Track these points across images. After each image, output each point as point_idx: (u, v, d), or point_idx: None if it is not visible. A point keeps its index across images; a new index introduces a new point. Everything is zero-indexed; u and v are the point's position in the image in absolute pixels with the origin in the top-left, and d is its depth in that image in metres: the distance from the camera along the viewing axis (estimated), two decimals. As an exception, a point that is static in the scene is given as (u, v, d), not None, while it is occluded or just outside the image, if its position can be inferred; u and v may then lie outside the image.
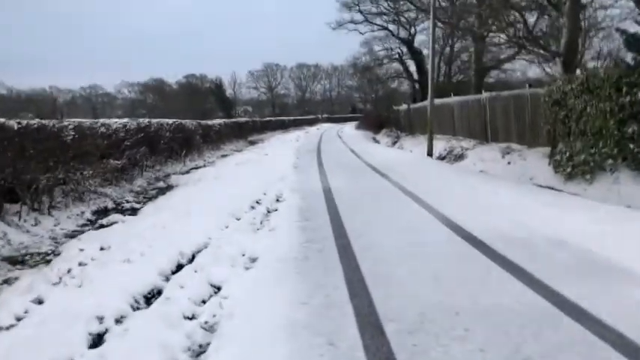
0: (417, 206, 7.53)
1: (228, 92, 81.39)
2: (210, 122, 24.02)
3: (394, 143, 27.37)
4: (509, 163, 13.78)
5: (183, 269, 4.86)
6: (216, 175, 12.99)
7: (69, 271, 5.06)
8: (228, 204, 8.40)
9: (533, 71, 40.33)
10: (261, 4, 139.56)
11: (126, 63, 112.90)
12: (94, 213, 9.40)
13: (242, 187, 10.44)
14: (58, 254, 6.31)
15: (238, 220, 7.30)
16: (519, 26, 15.49)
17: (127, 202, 10.63)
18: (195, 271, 4.69)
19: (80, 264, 5.34)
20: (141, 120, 13.78)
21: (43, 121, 8.29)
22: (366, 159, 16.47)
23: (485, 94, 16.82)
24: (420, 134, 24.88)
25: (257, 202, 8.78)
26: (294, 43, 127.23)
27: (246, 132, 34.53)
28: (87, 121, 10.46)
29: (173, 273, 4.92)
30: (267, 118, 54.96)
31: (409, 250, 5.10)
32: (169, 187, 12.46)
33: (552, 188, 9.89)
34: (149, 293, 4.37)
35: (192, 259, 5.38)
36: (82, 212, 9.04)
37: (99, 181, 11.20)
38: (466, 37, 29.75)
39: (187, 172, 15.58)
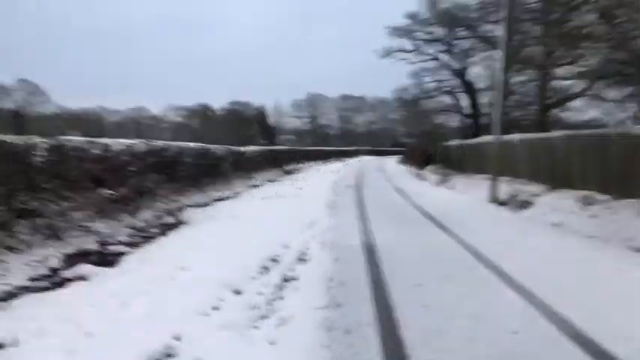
0: (510, 293, 4.90)
1: (271, 120, 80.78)
2: (242, 149, 22.09)
3: (443, 182, 24.59)
4: (592, 216, 10.96)
5: None
6: (235, 213, 10.75)
7: None
8: (234, 261, 6.09)
9: (595, 111, 36.77)
10: (309, 34, 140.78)
11: (173, 86, 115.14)
12: (66, 258, 7.24)
13: (260, 233, 8.13)
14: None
15: (238, 294, 4.91)
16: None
17: (118, 242, 8.46)
18: None
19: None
20: (156, 142, 11.82)
21: (-3, 138, 6.28)
22: (416, 201, 13.87)
23: (557, 133, 14.13)
24: (473, 174, 22.11)
25: (273, 261, 6.41)
26: (339, 73, 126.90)
27: (282, 161, 32.56)
28: (76, 140, 8.49)
29: None
30: (307, 148, 53.20)
31: None
32: (177, 225, 10.29)
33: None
34: None
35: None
36: (47, 257, 6.89)
37: (90, 213, 9.17)
38: (525, 71, 27.07)
39: (207, 204, 13.45)
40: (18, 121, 58.29)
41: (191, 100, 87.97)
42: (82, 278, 6.19)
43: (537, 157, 15.22)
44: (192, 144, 14.70)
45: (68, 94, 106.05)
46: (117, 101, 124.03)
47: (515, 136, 17.13)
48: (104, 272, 6.27)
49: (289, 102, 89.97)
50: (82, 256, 7.55)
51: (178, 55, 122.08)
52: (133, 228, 9.79)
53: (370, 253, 6.74)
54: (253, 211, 11.24)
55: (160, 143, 11.85)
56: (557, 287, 5.07)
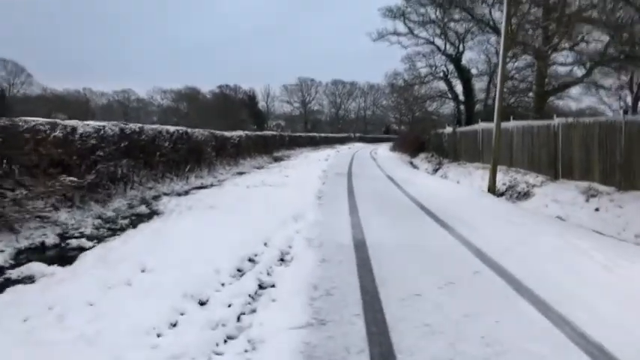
0: (528, 309, 4.16)
1: (261, 105, 79.50)
2: (227, 134, 21.13)
3: (435, 170, 23.92)
4: (597, 209, 10.35)
5: None
6: (215, 203, 9.91)
7: None
8: (205, 260, 5.30)
9: (589, 100, 36.28)
10: (300, 19, 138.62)
11: (160, 69, 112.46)
12: (18, 254, 6.41)
13: (239, 227, 7.33)
14: None
15: (203, 306, 4.12)
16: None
17: (81, 234, 7.63)
18: None
19: None
20: (130, 125, 10.90)
21: None
22: (409, 191, 13.11)
23: (557, 120, 13.42)
24: (467, 162, 21.46)
25: (250, 261, 5.63)
26: (331, 58, 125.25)
27: (271, 147, 31.63)
28: (34, 121, 7.56)
29: None
30: (297, 134, 52.21)
31: None
32: (150, 215, 9.44)
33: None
34: None
35: None
36: (-9, 255, 6.05)
37: (52, 202, 8.29)
38: (524, 56, 26.23)
39: (186, 192, 12.60)
40: (0, 102, 56.35)
41: (179, 84, 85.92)
42: (29, 279, 5.38)
43: (535, 146, 14.53)
44: (170, 127, 13.75)
45: (52, 75, 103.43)
46: (102, 83, 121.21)
47: (509, 124, 16.40)
48: (55, 272, 5.43)
49: (279, 86, 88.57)
50: (37, 252, 6.73)
51: (166, 38, 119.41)
52: (102, 218, 8.95)
53: (362, 253, 5.97)
54: (235, 201, 10.41)
55: (134, 126, 10.91)
56: (585, 304, 4.34)
